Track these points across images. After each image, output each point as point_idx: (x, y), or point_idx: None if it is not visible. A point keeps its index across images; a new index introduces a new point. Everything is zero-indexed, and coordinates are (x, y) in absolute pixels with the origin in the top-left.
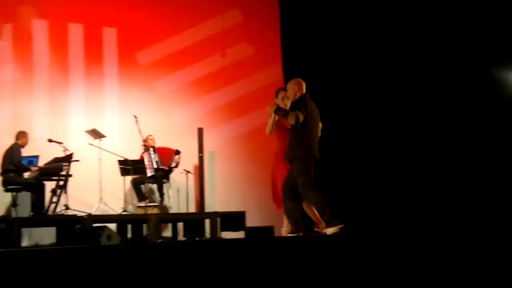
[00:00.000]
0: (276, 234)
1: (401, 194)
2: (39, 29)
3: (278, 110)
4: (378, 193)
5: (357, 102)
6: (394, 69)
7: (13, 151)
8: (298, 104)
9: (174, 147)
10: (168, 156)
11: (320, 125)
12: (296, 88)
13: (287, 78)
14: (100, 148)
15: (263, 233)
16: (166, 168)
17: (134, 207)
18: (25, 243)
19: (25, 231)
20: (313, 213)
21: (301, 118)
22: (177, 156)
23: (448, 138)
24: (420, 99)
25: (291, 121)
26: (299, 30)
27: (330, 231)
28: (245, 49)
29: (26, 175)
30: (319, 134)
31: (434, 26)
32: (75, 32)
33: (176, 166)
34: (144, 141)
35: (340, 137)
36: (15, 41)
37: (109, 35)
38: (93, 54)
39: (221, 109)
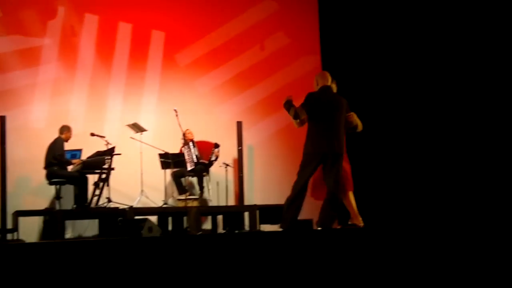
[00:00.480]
0: (315, 226)
1: (425, 189)
2: (89, 24)
3: (285, 104)
4: (402, 188)
5: (393, 93)
6: (435, 61)
7: (56, 145)
8: (304, 101)
9: (214, 141)
10: (207, 150)
11: (353, 115)
12: (316, 83)
13: (326, 68)
14: (141, 142)
15: (302, 226)
16: (206, 161)
17: (174, 200)
18: (68, 235)
19: (68, 223)
20: (351, 206)
21: (299, 114)
22: (216, 149)
23: (476, 136)
24: (458, 96)
25: (291, 114)
26: (337, 19)
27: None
28: (282, 40)
29: (70, 168)
30: (358, 129)
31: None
32: (124, 31)
33: (215, 160)
34: (183, 134)
35: (373, 131)
36: (62, 37)
37: (157, 37)
38: (138, 54)
39: (260, 103)
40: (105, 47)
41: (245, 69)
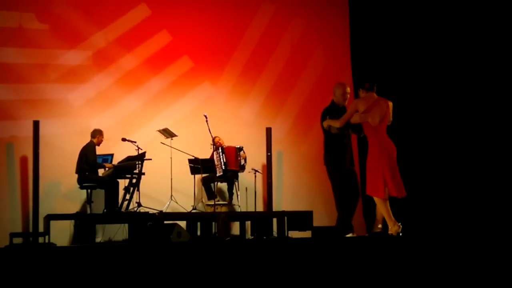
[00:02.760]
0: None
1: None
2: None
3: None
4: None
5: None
6: (464, 68)
7: (87, 150)
8: None
9: (244, 146)
10: (231, 156)
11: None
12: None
13: (356, 77)
14: (172, 147)
15: (330, 233)
16: (236, 169)
17: (203, 205)
18: (98, 239)
19: (99, 227)
20: (379, 212)
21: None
22: (241, 152)
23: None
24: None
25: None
26: (368, 27)
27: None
28: (313, 47)
29: (101, 173)
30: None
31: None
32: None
33: (245, 162)
34: (212, 140)
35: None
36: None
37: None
38: (168, 59)
39: (290, 109)
40: (137, 53)
41: (275, 75)
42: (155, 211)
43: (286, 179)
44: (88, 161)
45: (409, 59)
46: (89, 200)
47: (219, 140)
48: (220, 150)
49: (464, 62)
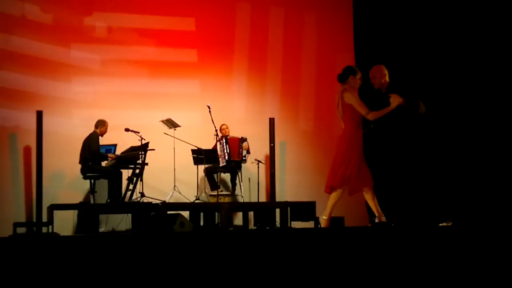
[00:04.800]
0: (346, 224)
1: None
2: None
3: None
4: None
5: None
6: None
7: (91, 140)
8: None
9: (247, 137)
10: (235, 146)
11: None
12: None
13: (358, 66)
14: (175, 138)
15: (333, 223)
16: (238, 160)
17: (206, 195)
18: (102, 229)
19: (102, 217)
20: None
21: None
22: (244, 143)
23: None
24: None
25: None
26: (372, 18)
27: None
28: (317, 38)
29: (104, 163)
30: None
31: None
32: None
33: (248, 153)
34: (219, 130)
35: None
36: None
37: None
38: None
39: (293, 100)
40: (141, 44)
41: (278, 65)
42: (158, 201)
43: (289, 169)
44: (91, 151)
45: (412, 54)
46: (92, 190)
47: (226, 128)
48: (224, 141)
49: (469, 57)
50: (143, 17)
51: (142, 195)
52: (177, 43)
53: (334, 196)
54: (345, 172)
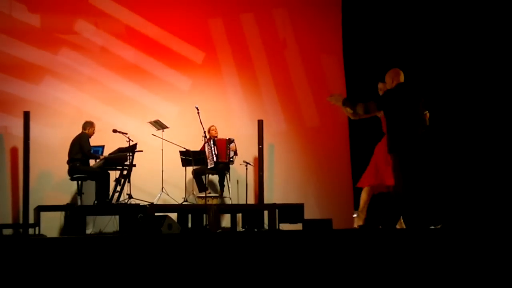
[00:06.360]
0: (334, 226)
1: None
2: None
3: (346, 101)
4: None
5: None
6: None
7: (82, 141)
8: (378, 96)
9: (236, 139)
10: (222, 148)
11: (427, 114)
12: (390, 80)
13: (348, 71)
14: (163, 139)
15: (321, 226)
16: (226, 161)
17: (194, 197)
18: (89, 230)
19: (89, 219)
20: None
21: (373, 109)
22: (231, 144)
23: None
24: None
25: (359, 111)
26: (360, 19)
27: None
28: (304, 39)
29: (92, 164)
30: (426, 123)
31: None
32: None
33: (235, 155)
34: (207, 131)
35: None
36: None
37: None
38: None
39: (281, 101)
40: (129, 45)
41: (266, 67)
42: (146, 203)
43: (277, 172)
44: (84, 151)
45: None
46: (79, 192)
47: (215, 129)
48: (211, 142)
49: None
50: (131, 18)
51: (130, 196)
52: (165, 44)
53: (367, 192)
54: (385, 171)
